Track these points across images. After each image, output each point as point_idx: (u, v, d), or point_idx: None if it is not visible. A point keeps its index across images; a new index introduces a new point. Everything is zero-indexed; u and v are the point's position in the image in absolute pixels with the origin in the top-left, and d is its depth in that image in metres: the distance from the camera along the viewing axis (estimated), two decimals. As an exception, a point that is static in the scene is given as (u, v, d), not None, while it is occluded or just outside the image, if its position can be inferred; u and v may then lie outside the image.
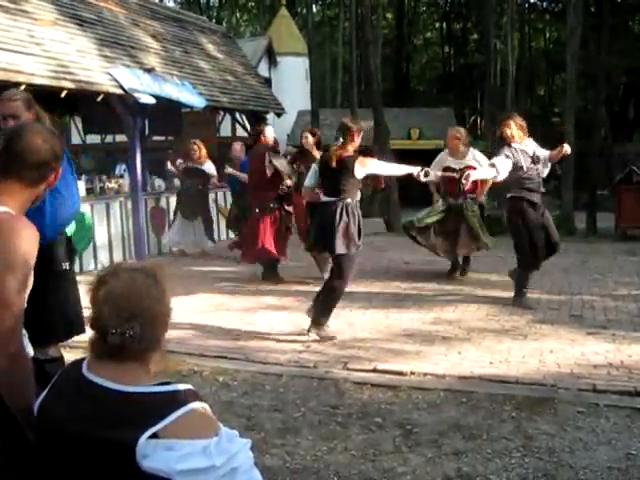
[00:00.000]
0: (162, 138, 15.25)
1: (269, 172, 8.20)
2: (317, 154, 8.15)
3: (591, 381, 4.76)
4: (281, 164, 8.33)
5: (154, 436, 1.62)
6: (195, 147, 10.55)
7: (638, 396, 4.50)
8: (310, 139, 8.46)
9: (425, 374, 5.01)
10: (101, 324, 1.74)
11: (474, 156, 7.98)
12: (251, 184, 8.70)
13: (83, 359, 1.84)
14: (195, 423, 1.68)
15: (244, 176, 9.23)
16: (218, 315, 6.92)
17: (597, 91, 19.11)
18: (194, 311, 7.00)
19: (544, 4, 38.10)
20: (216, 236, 11.63)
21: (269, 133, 8.69)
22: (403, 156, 22.21)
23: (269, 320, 6.69)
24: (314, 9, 32.48)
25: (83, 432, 1.67)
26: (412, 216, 8.70)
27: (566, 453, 3.71)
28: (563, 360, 5.28)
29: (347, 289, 8.07)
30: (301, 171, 8.51)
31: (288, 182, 8.35)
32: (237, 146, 10.62)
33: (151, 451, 1.62)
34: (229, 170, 10.03)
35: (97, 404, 1.70)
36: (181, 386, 1.74)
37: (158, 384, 1.73)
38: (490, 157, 7.52)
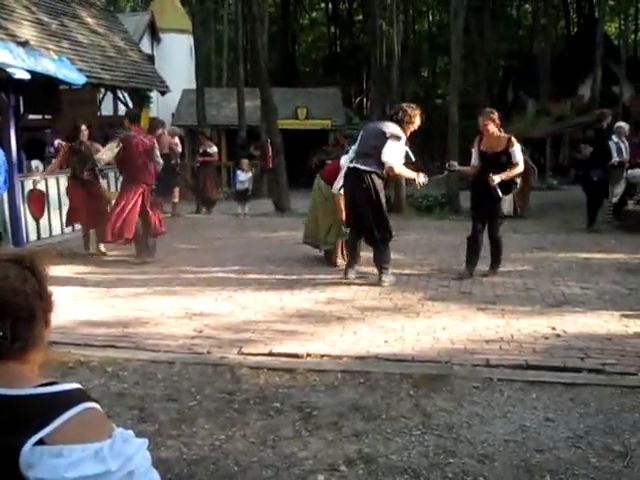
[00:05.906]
0: (39, 117, 14.45)
1: None
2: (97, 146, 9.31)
3: (484, 356, 4.85)
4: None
5: (40, 443, 1.44)
6: None
7: (529, 369, 4.63)
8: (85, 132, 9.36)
9: (322, 355, 4.95)
10: (-33, 323, 1.53)
11: None
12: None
13: None
14: (85, 425, 1.50)
15: None
16: (104, 302, 6.59)
17: (478, 74, 19.68)
18: (78, 298, 6.65)
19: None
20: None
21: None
22: (291, 136, 22.34)
23: (158, 305, 6.43)
24: (198, -15, 31.59)
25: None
26: (302, 199, 8.61)
27: (464, 428, 3.75)
28: (456, 336, 5.37)
29: (240, 272, 7.97)
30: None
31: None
32: None
33: (37, 459, 1.43)
34: None
35: (-28, 410, 1.49)
36: (68, 386, 1.55)
37: (43, 385, 1.53)
38: None
